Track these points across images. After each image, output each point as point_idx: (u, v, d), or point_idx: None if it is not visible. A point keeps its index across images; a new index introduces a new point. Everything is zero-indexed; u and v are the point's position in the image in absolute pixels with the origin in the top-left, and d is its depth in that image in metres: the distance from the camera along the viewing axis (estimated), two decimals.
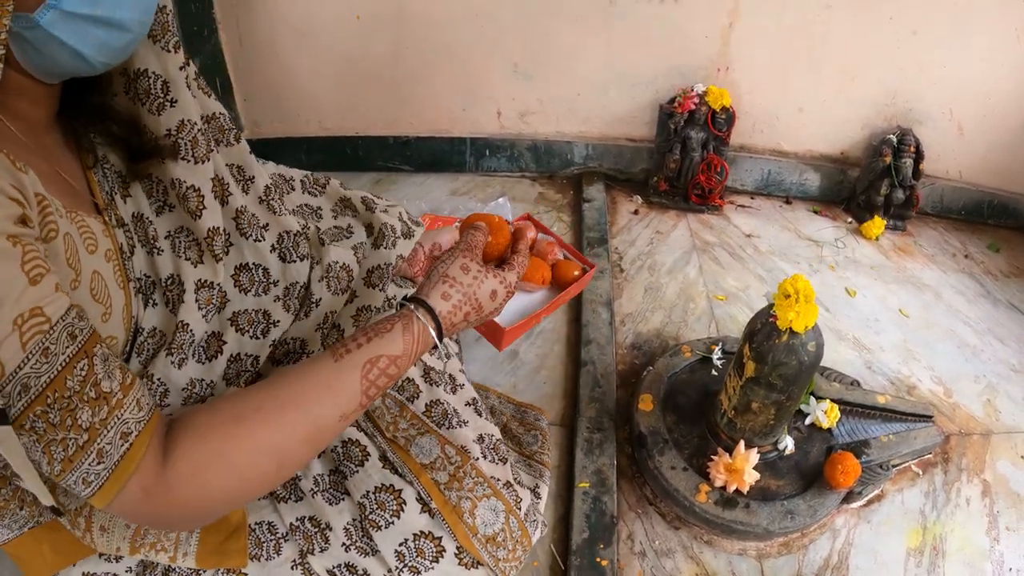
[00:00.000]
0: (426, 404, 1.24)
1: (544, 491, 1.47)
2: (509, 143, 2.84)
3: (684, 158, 2.60)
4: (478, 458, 1.18)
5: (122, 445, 0.74)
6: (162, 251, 0.98)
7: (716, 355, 1.84)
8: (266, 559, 1.05)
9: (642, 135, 2.78)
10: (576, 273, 1.67)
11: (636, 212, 2.66)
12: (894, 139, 2.59)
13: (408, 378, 1.26)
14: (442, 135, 2.85)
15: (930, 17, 2.44)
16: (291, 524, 1.07)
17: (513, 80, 2.70)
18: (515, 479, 1.24)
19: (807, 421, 1.71)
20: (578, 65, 2.64)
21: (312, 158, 2.89)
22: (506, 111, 2.79)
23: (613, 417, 1.74)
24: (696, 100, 2.52)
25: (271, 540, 1.06)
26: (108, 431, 0.73)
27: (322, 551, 1.06)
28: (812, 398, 1.73)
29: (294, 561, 1.06)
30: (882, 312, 2.25)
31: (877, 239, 2.63)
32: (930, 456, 1.76)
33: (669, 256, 2.44)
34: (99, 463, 0.72)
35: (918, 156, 2.59)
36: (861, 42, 2.52)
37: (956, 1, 2.39)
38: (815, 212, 2.78)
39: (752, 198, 2.85)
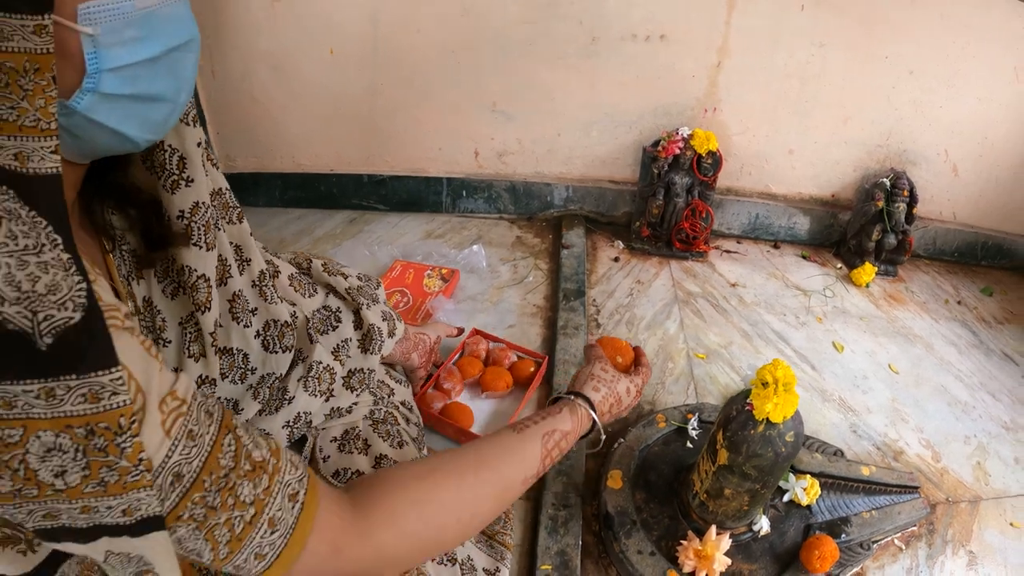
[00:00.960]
0: None
1: (505, 573, 1.45)
2: (487, 184, 2.77)
3: (668, 203, 2.52)
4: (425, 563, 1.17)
5: (293, 507, 0.75)
6: (169, 342, 1.00)
7: (692, 424, 1.76)
8: None
9: (625, 177, 2.71)
10: (532, 369, 1.94)
11: (617, 259, 2.58)
12: (887, 182, 2.52)
13: (357, 470, 1.24)
14: (418, 174, 2.78)
15: (927, 56, 2.39)
16: None
17: (491, 119, 2.63)
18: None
19: (785, 498, 1.63)
20: (559, 104, 2.58)
21: (286, 194, 2.82)
22: (484, 151, 2.72)
23: (581, 492, 1.65)
24: (681, 144, 2.44)
25: None
26: (275, 498, 0.73)
27: None
28: (791, 474, 1.65)
29: None
30: (871, 368, 2.17)
31: (867, 286, 2.56)
32: (914, 528, 1.68)
33: (649, 309, 2.35)
34: (272, 532, 0.72)
35: (912, 200, 2.53)
36: (855, 82, 2.46)
37: (955, 40, 2.34)
38: (804, 257, 2.71)
39: (739, 242, 2.78)
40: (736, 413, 1.36)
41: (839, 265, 2.68)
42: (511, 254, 2.60)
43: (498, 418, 1.85)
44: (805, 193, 2.72)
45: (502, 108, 2.60)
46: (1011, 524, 1.71)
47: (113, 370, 0.59)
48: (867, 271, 2.54)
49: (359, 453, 1.26)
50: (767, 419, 1.31)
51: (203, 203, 0.97)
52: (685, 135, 2.46)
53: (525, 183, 2.75)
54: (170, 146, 0.92)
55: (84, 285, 0.60)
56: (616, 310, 2.33)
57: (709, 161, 2.46)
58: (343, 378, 1.34)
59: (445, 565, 1.22)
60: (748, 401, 1.35)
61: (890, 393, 2.08)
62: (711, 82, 2.48)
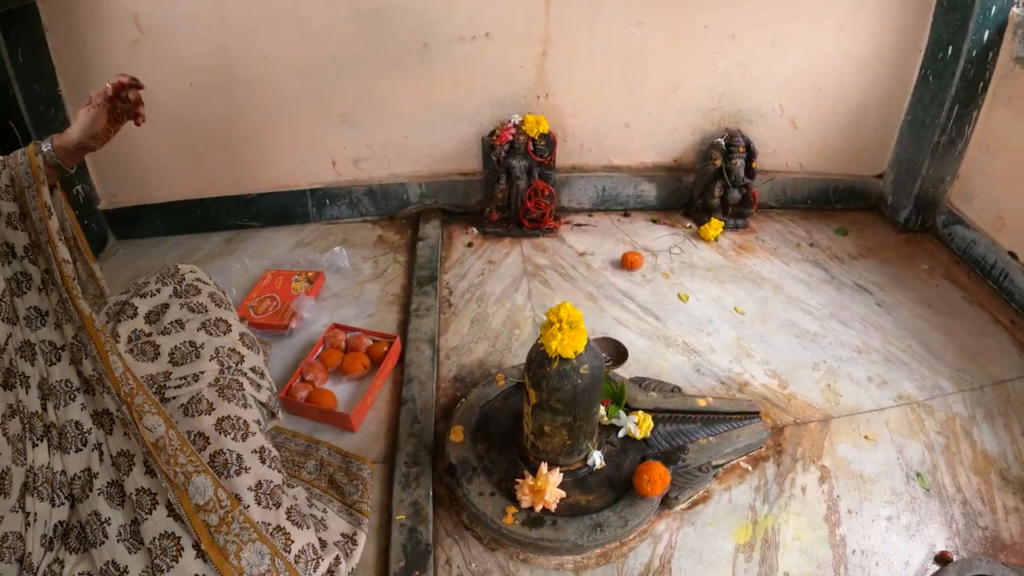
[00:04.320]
0: (211, 454, 1.29)
1: (362, 538, 1.56)
2: (347, 190, 2.88)
3: (511, 187, 2.65)
4: (249, 505, 1.25)
5: None
6: None
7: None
8: None
9: (472, 168, 2.83)
10: (385, 348, 2.10)
11: (470, 244, 2.70)
12: (722, 142, 2.66)
13: (200, 431, 1.31)
14: (284, 189, 2.89)
15: (747, 20, 2.54)
16: (100, 569, 1.18)
17: (342, 130, 2.75)
18: (294, 523, 1.31)
19: (620, 434, 1.75)
20: (401, 109, 2.70)
21: (167, 222, 2.90)
22: (340, 160, 2.83)
23: (431, 450, 1.77)
24: (513, 131, 2.58)
25: None
26: None
27: None
28: (622, 411, 1.77)
29: None
30: (716, 313, 2.30)
31: (716, 240, 2.70)
32: (761, 450, 1.79)
33: (499, 285, 2.47)
34: None
35: (750, 155, 2.68)
36: (678, 53, 2.60)
37: (772, 1, 2.50)
38: (654, 221, 2.85)
39: (590, 215, 2.91)
40: (535, 355, 1.49)
41: (688, 224, 2.82)
42: (372, 252, 2.72)
43: (359, 394, 1.98)
44: (648, 162, 2.86)
45: (351, 119, 2.72)
46: (865, 437, 1.84)
47: None
48: (714, 226, 2.68)
49: (203, 415, 1.33)
50: (559, 355, 1.44)
51: None
52: (516, 122, 2.60)
53: (381, 185, 2.87)
54: None
55: None
56: (468, 289, 2.45)
57: (543, 143, 2.60)
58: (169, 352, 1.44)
59: (269, 510, 1.29)
60: (540, 342, 1.47)
61: (735, 333, 2.22)
62: (539, 70, 2.62)
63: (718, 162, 2.66)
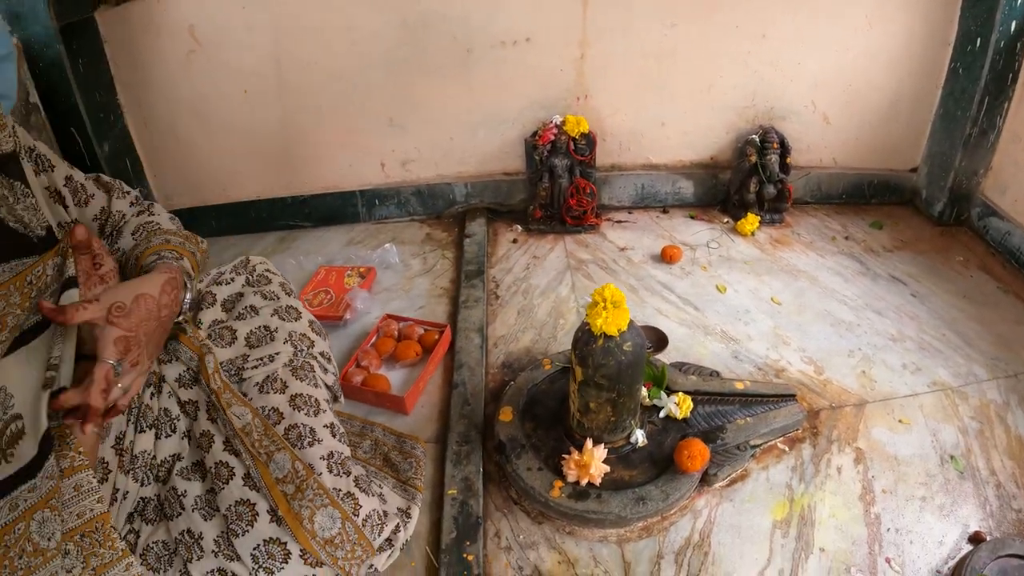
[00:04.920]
0: (286, 427, 1.38)
1: (415, 511, 1.67)
2: (395, 191, 3.00)
3: (553, 185, 2.75)
4: (321, 473, 1.34)
5: None
6: None
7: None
8: (163, 572, 1.23)
9: (516, 168, 2.93)
10: (436, 337, 2.21)
11: (515, 241, 2.80)
12: (757, 139, 2.73)
13: (274, 407, 1.41)
14: (334, 191, 3.01)
15: (777, 18, 2.60)
16: (176, 538, 1.26)
17: (390, 133, 2.86)
18: (362, 490, 1.39)
19: (661, 414, 1.83)
20: (446, 112, 2.81)
21: (221, 223, 3.04)
22: (388, 162, 2.94)
23: (481, 430, 1.87)
24: (555, 131, 2.67)
25: (165, 555, 1.25)
26: None
27: (198, 559, 1.23)
28: (663, 393, 1.85)
29: (180, 570, 1.23)
30: (753, 303, 2.37)
31: (753, 234, 2.76)
32: (797, 432, 1.86)
33: (544, 278, 2.56)
34: None
35: (784, 151, 2.74)
36: (711, 52, 2.68)
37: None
38: (692, 217, 2.92)
39: (630, 212, 2.99)
40: (581, 334, 1.59)
41: (726, 219, 2.89)
42: (421, 249, 2.83)
43: (411, 379, 2.10)
44: (685, 159, 2.93)
45: (398, 122, 2.83)
46: (900, 421, 1.89)
47: None
48: (750, 221, 2.75)
49: (276, 393, 1.44)
50: (603, 333, 1.53)
51: None
52: (557, 122, 2.69)
53: (428, 186, 2.98)
54: None
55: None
56: (513, 283, 2.55)
57: (583, 142, 2.69)
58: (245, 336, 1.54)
59: (340, 477, 1.37)
60: (586, 321, 1.56)
61: (772, 322, 2.28)
62: (578, 73, 2.71)
63: (753, 158, 2.73)
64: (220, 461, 1.32)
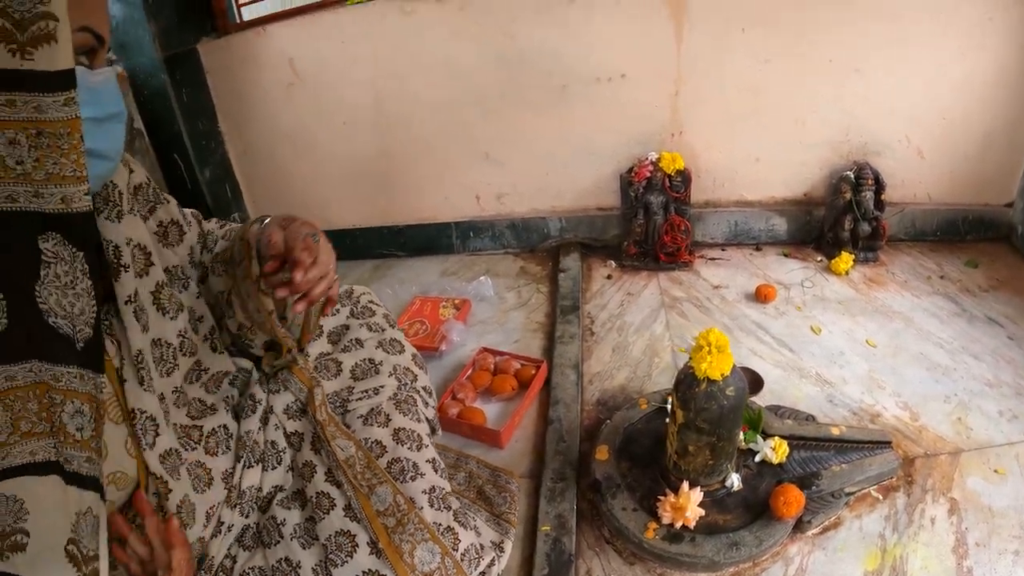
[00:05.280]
0: (389, 461, 1.43)
1: (508, 545, 1.71)
2: (489, 224, 3.07)
3: (648, 222, 2.77)
4: (423, 507, 1.37)
5: None
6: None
7: (670, 405, 1.96)
8: None
9: (610, 203, 2.95)
10: (533, 372, 2.26)
11: (609, 277, 2.83)
12: (851, 175, 2.71)
13: (377, 440, 1.46)
14: (429, 221, 3.11)
15: (870, 52, 2.58)
16: (273, 565, 1.30)
17: (486, 167, 2.94)
18: (461, 524, 1.43)
19: (757, 458, 1.83)
20: (542, 147, 2.87)
21: None
22: (484, 195, 3.02)
23: (576, 467, 1.91)
24: (651, 167, 2.70)
25: None
26: None
27: None
28: (759, 436, 1.86)
29: None
30: (848, 345, 2.34)
31: (847, 273, 2.72)
32: (892, 480, 1.83)
33: (638, 315, 2.58)
34: None
35: (879, 188, 2.71)
36: (804, 87, 2.67)
37: (892, 33, 2.53)
38: (785, 255, 2.90)
39: (723, 249, 2.98)
40: (684, 376, 1.61)
41: (819, 258, 2.86)
42: (515, 282, 2.89)
43: (507, 413, 2.16)
44: (778, 196, 2.92)
45: (494, 156, 2.91)
46: (995, 471, 1.85)
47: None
48: (844, 260, 2.72)
49: (380, 427, 1.48)
50: (707, 377, 1.56)
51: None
52: (653, 159, 2.72)
53: (523, 219, 3.04)
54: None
55: (94, 308, 0.92)
56: (608, 319, 2.58)
57: (678, 179, 2.71)
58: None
59: (440, 511, 1.41)
60: (689, 364, 1.59)
61: (867, 365, 2.25)
62: (673, 109, 2.73)
63: (847, 195, 2.71)
64: (321, 491, 1.36)
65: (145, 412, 1.19)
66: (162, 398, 1.26)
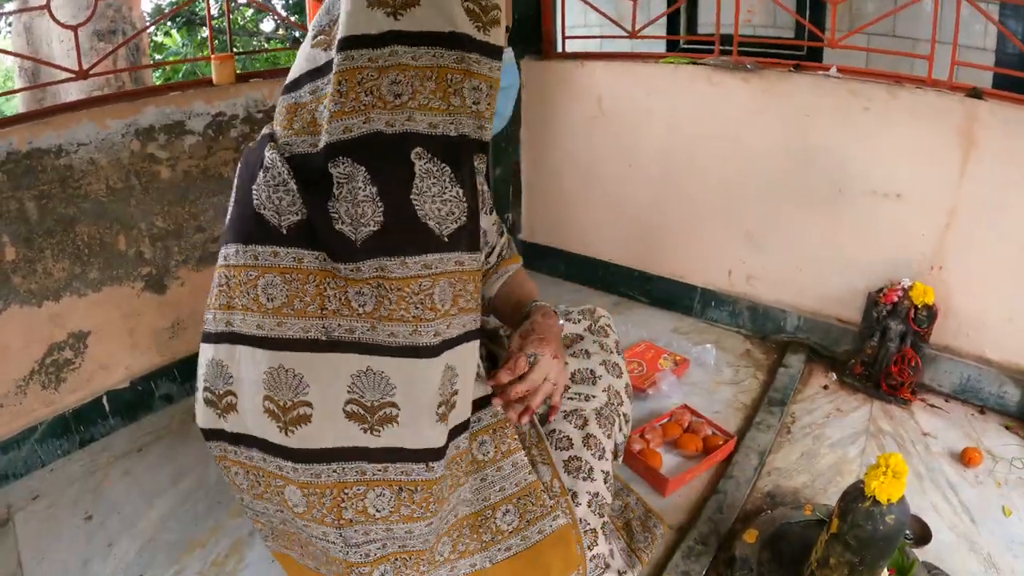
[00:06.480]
0: (570, 456, 1.64)
1: None
2: (733, 300, 3.21)
3: (881, 346, 2.75)
4: (580, 504, 1.60)
5: None
6: None
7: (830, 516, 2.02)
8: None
9: (850, 317, 2.95)
10: (720, 442, 2.38)
11: (826, 387, 2.85)
12: None
13: (567, 435, 1.67)
14: (678, 279, 3.32)
15: None
16: None
17: (745, 245, 3.09)
18: (604, 534, 1.65)
19: None
20: (803, 243, 2.95)
21: (570, 270, 3.56)
22: (735, 271, 3.17)
23: (720, 540, 2.05)
24: (900, 293, 2.68)
25: None
26: None
27: None
28: None
29: None
30: None
31: None
32: None
33: (839, 432, 2.59)
34: None
35: None
36: None
37: None
38: (1007, 428, 2.71)
39: (946, 400, 2.83)
40: (852, 489, 1.70)
41: None
42: (737, 361, 3.02)
43: (682, 468, 2.34)
44: (1020, 364, 2.71)
45: (755, 238, 3.05)
46: None
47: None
48: None
49: (575, 427, 1.66)
50: (874, 496, 1.62)
51: None
52: (905, 286, 2.68)
53: (764, 306, 3.14)
54: None
55: (466, 206, 1.22)
56: (809, 425, 2.62)
57: (924, 313, 2.65)
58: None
59: (592, 513, 1.62)
60: (862, 480, 1.67)
61: None
62: (939, 241, 2.67)
63: None
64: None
65: None
66: None
